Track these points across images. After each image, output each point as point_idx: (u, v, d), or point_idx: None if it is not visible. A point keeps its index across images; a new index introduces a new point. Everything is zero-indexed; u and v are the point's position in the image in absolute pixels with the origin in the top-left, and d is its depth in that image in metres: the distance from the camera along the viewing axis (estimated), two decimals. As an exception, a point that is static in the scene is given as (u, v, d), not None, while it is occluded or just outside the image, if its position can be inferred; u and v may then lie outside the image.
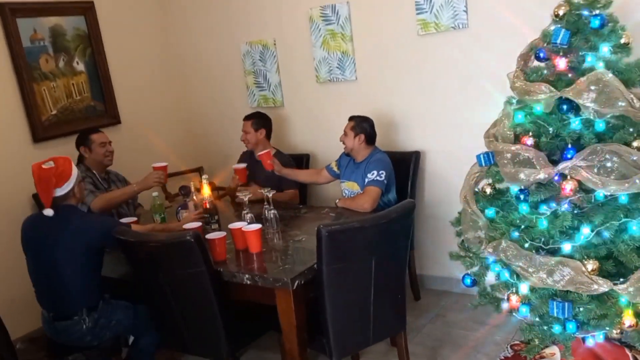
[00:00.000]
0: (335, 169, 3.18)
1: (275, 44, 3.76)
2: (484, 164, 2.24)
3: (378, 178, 2.83)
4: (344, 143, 3.01)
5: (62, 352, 2.34)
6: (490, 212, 2.18)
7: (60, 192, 2.30)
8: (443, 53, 3.10)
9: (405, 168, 3.23)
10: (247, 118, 3.45)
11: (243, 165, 3.31)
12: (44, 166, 2.29)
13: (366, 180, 2.85)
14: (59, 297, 2.33)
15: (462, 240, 2.45)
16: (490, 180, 2.24)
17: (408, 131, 3.34)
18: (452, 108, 3.14)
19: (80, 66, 3.62)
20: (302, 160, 3.68)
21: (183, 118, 4.29)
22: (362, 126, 2.96)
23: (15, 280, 3.08)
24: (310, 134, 3.79)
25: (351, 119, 3.02)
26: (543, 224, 1.99)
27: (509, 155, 2.06)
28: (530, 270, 1.96)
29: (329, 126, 3.58)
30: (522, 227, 2.06)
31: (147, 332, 2.52)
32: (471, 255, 2.35)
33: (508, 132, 2.18)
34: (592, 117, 1.91)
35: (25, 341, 2.44)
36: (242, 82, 3.99)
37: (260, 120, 3.44)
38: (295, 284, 2.04)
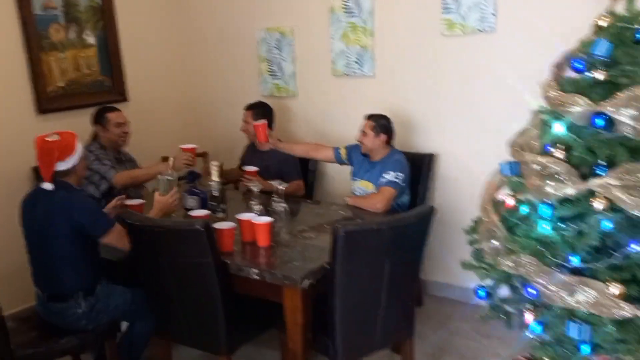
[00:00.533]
0: (343, 157, 3.04)
1: (293, 33, 3.67)
2: (508, 174, 2.17)
3: (395, 179, 2.75)
4: (361, 143, 2.89)
5: (55, 333, 2.24)
6: (511, 224, 2.11)
7: (62, 166, 2.21)
8: (467, 55, 3.02)
9: (417, 170, 3.16)
10: (249, 108, 3.33)
11: (254, 168, 3.12)
12: (48, 139, 2.20)
13: (382, 179, 2.76)
14: (53, 278, 2.25)
15: (476, 250, 2.38)
16: (512, 191, 2.17)
17: (423, 132, 3.26)
18: (471, 112, 3.06)
19: (90, 39, 3.50)
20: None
21: (191, 100, 4.19)
22: (383, 125, 2.86)
23: (10, 255, 2.99)
24: (321, 127, 3.70)
25: (369, 117, 2.90)
26: (567, 241, 1.92)
27: (536, 167, 1.98)
28: (550, 288, 1.89)
29: (342, 120, 3.50)
30: (544, 242, 1.99)
31: (143, 317, 2.43)
32: (486, 266, 2.28)
33: (536, 143, 2.10)
34: (629, 135, 1.83)
35: (16, 319, 2.34)
36: (255, 68, 3.89)
37: (261, 111, 3.32)
38: (306, 282, 1.96)
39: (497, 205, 2.20)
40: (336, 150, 3.07)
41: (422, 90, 3.21)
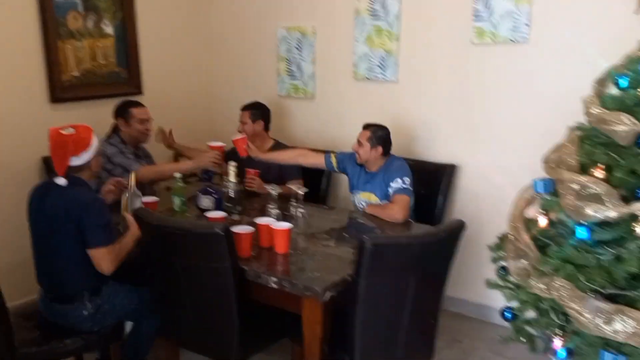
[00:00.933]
0: (334, 165, 2.93)
1: (314, 33, 3.58)
2: (541, 191, 2.08)
3: (404, 186, 2.64)
4: (357, 153, 2.77)
5: (59, 334, 2.15)
6: (542, 244, 2.02)
7: (76, 161, 2.11)
8: (496, 65, 2.93)
9: (437, 180, 3.07)
10: (245, 108, 3.24)
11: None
12: (62, 132, 2.11)
13: (391, 189, 2.65)
14: (58, 277, 2.16)
15: (502, 268, 2.29)
16: (545, 210, 2.08)
17: (445, 142, 3.16)
18: (497, 124, 2.97)
19: (108, 29, 3.42)
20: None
21: (206, 97, 4.10)
22: (380, 137, 2.73)
23: (16, 246, 2.90)
24: (337, 131, 3.61)
25: (366, 127, 2.78)
26: (604, 265, 1.83)
27: (575, 186, 1.89)
28: (585, 314, 1.79)
29: (360, 125, 3.39)
30: (579, 265, 1.90)
31: (149, 316, 2.35)
32: (512, 286, 2.19)
33: (573, 161, 2.01)
34: (678, 158, 1.74)
35: (19, 315, 2.25)
36: (274, 67, 3.80)
37: (258, 111, 3.23)
38: (327, 295, 1.87)
39: (528, 223, 2.11)
40: (327, 157, 2.96)
41: (447, 98, 3.12)
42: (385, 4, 3.24)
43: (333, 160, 2.94)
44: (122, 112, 2.93)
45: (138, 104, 2.98)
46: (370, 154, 2.73)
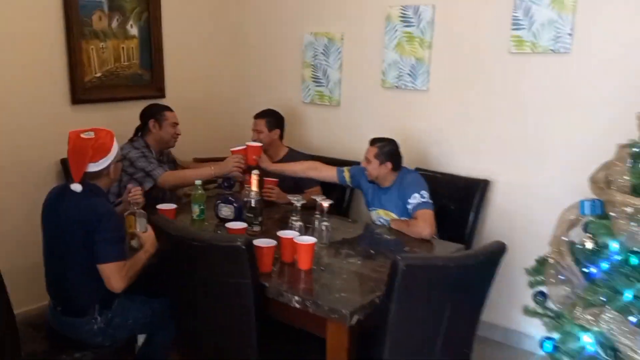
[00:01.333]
0: (347, 180, 2.81)
1: (342, 39, 3.47)
2: (588, 213, 1.92)
3: (423, 199, 2.50)
4: (366, 170, 2.64)
5: (69, 346, 2.04)
6: (591, 271, 1.85)
7: (93, 167, 2.02)
8: (536, 76, 2.77)
9: (469, 197, 2.92)
10: (260, 116, 3.14)
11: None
12: (82, 135, 2.01)
13: (410, 206, 2.51)
14: (67, 289, 2.06)
15: (540, 295, 2.13)
16: (592, 233, 1.92)
17: (478, 156, 3.01)
18: (535, 137, 2.81)
19: (133, 30, 3.35)
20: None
21: (229, 102, 4.01)
22: (388, 152, 2.61)
23: (30, 249, 2.82)
24: (362, 140, 3.43)
25: (373, 143, 2.65)
26: (661, 298, 1.66)
27: (628, 209, 1.73)
28: (639, 352, 1.63)
29: (386, 135, 3.27)
30: (631, 296, 1.73)
31: (164, 327, 2.24)
32: (553, 315, 2.03)
33: (625, 181, 1.85)
34: None
35: (28, 325, 2.16)
36: (299, 74, 3.70)
37: (274, 120, 3.13)
38: (355, 318, 1.73)
39: (574, 247, 1.95)
40: (340, 172, 2.83)
41: (481, 109, 2.97)
42: (418, 10, 3.11)
43: (346, 174, 2.82)
44: (155, 114, 2.88)
45: (169, 108, 2.96)
46: (379, 171, 2.61)
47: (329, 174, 2.85)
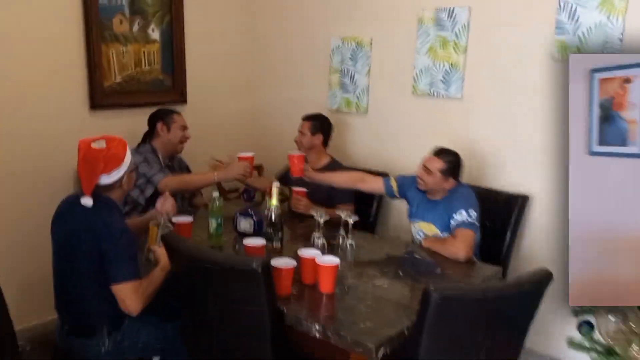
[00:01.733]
0: (395, 190, 2.61)
1: (371, 44, 3.30)
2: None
3: (469, 219, 2.29)
4: (421, 180, 2.43)
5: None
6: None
7: (105, 179, 1.89)
8: (581, 85, 2.55)
9: (505, 213, 2.71)
10: (307, 118, 3.02)
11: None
12: (93, 145, 1.89)
13: (453, 222, 2.31)
14: (75, 307, 1.95)
15: (586, 323, 1.93)
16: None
17: (515, 169, 2.80)
18: (579, 152, 2.59)
19: (155, 34, 3.26)
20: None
21: (252, 109, 3.89)
22: (453, 168, 2.40)
23: (41, 259, 2.73)
24: (390, 150, 3.30)
25: (438, 154, 2.43)
26: None
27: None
28: None
29: (416, 146, 3.07)
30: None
31: (176, 353, 2.10)
32: (601, 349, 1.82)
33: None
34: None
35: (33, 341, 2.06)
36: (325, 80, 3.55)
37: (319, 124, 2.99)
38: (381, 352, 1.56)
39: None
40: (387, 182, 2.64)
41: (519, 119, 2.76)
42: (453, 13, 2.92)
43: (393, 184, 2.63)
44: (163, 117, 2.82)
45: (178, 112, 2.90)
46: (440, 185, 2.41)
47: (375, 185, 2.67)
